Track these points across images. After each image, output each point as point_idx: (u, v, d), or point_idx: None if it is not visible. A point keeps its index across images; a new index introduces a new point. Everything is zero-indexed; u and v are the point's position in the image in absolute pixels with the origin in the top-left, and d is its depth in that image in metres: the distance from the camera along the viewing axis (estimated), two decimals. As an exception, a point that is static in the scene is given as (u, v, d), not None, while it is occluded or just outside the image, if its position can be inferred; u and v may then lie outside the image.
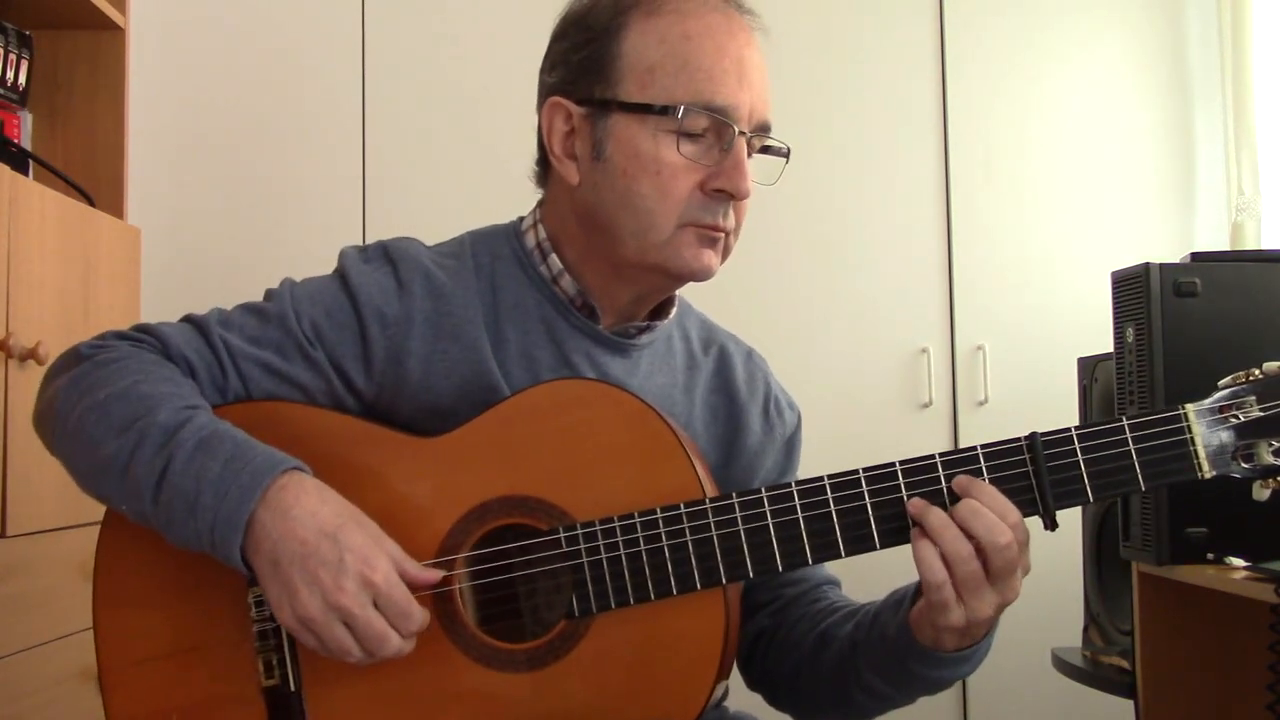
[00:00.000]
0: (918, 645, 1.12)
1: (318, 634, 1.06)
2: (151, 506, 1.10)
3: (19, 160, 2.21)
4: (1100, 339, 1.98)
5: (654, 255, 1.21)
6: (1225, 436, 1.06)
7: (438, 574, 1.11)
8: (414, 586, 1.09)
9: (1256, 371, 1.08)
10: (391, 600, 1.06)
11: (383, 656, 1.07)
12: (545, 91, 1.26)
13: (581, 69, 1.22)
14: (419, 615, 1.08)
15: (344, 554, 1.05)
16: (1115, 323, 1.82)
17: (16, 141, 2.25)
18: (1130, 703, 1.91)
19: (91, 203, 2.31)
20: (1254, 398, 1.06)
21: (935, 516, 1.06)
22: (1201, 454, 1.06)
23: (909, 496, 1.08)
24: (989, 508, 1.05)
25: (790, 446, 1.39)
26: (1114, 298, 1.82)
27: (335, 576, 1.05)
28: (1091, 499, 1.08)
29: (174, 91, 2.80)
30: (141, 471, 1.09)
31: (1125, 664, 2.00)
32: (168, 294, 2.61)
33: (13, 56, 2.26)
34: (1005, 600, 1.08)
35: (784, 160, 1.25)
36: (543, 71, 1.27)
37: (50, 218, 2.04)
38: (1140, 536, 1.78)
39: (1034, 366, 2.73)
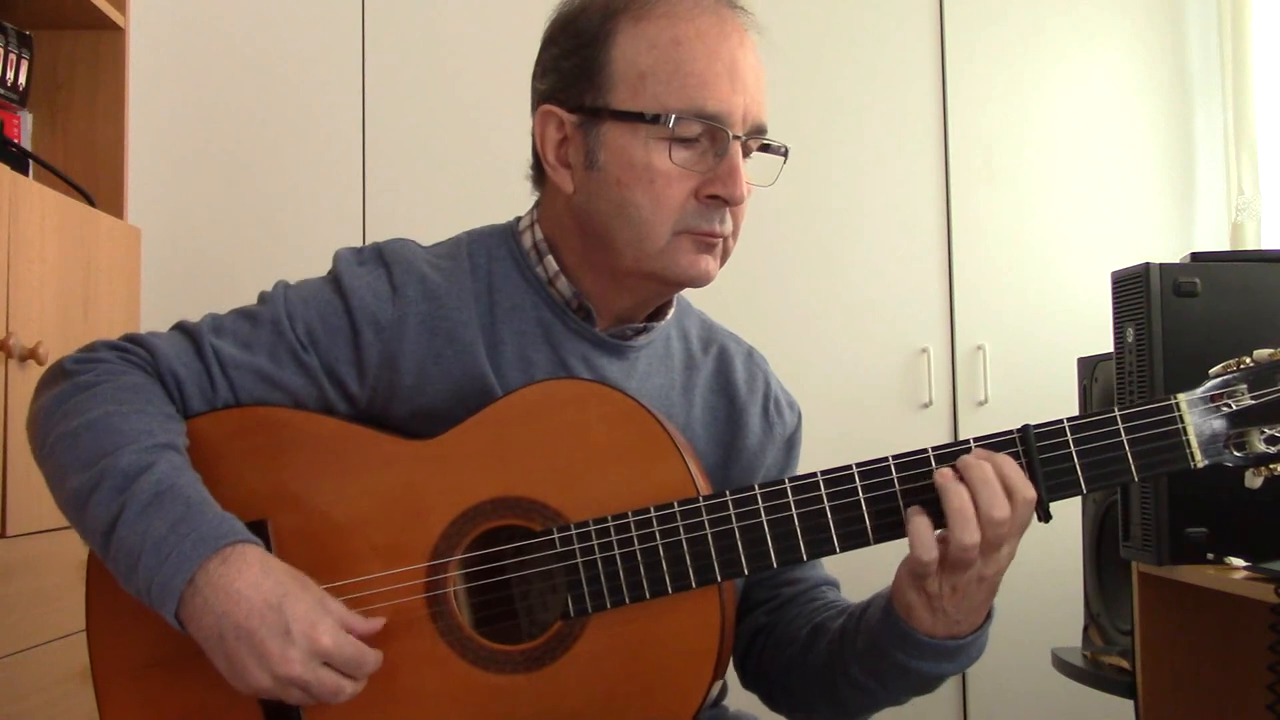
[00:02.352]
0: (897, 623, 1.11)
1: (274, 697, 1.08)
2: (103, 551, 1.10)
3: (19, 160, 2.21)
4: (1100, 339, 1.98)
5: (650, 263, 1.20)
6: (1217, 425, 1.07)
7: (379, 622, 1.12)
8: (360, 637, 1.10)
9: (1247, 359, 1.08)
10: (343, 658, 1.08)
11: (340, 702, 1.09)
12: (537, 99, 1.25)
13: (572, 76, 1.21)
14: (372, 658, 1.10)
15: (289, 624, 1.05)
16: (1115, 323, 1.82)
17: (16, 141, 2.25)
18: (1130, 703, 1.91)
19: (91, 203, 2.31)
20: (1245, 386, 1.07)
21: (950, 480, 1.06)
22: (1194, 443, 1.07)
23: (903, 490, 1.08)
24: (1011, 478, 1.05)
25: (790, 445, 1.38)
26: (1114, 298, 1.82)
27: (282, 648, 1.05)
28: (1085, 490, 1.08)
29: (174, 91, 2.80)
30: (97, 514, 1.09)
31: (1125, 664, 2.00)
32: (168, 294, 2.61)
33: (13, 56, 2.26)
34: (983, 574, 1.07)
35: (782, 160, 1.24)
36: (534, 77, 1.26)
37: (50, 218, 2.04)
38: (1140, 536, 1.78)
39: (1034, 366, 2.73)
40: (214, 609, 1.05)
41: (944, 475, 1.06)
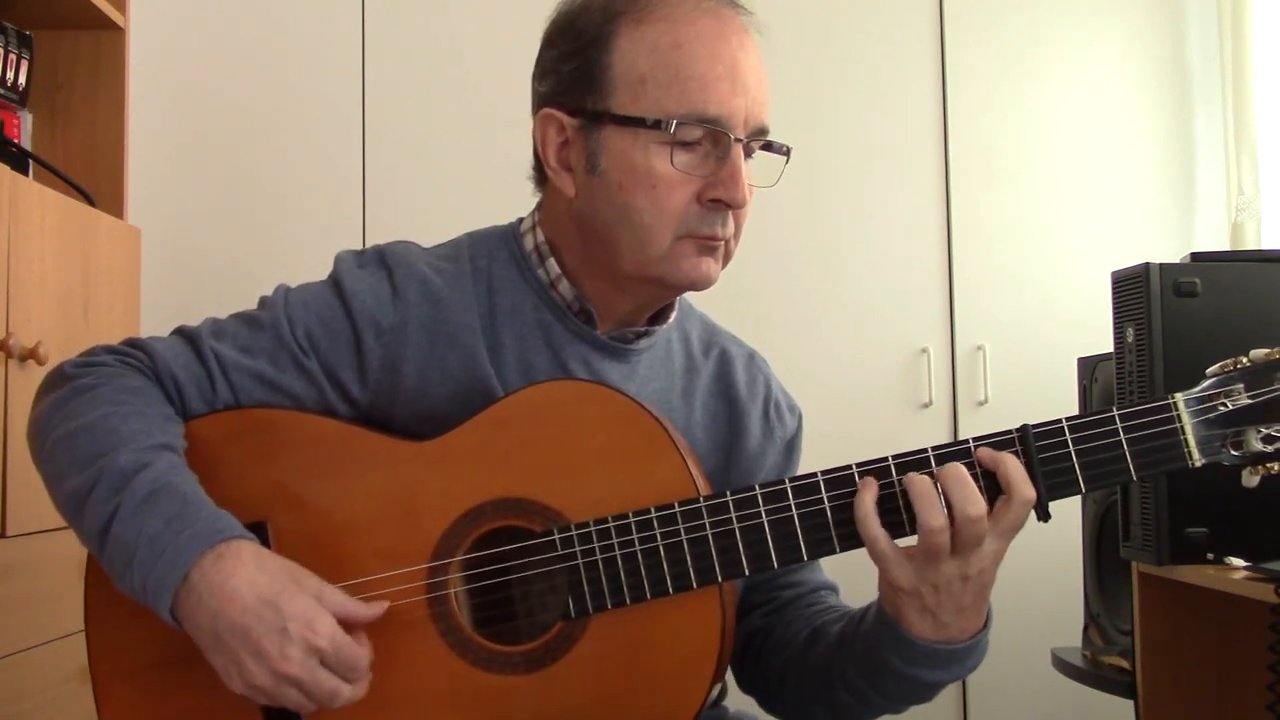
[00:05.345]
0: (889, 626, 1.11)
1: (269, 698, 1.07)
2: (99, 551, 1.10)
3: (19, 160, 2.21)
4: (1100, 339, 1.98)
5: (653, 268, 1.19)
6: (1215, 424, 1.07)
7: (382, 606, 1.11)
8: (364, 624, 1.10)
9: (1244, 359, 1.08)
10: (339, 659, 1.07)
11: (336, 706, 1.08)
12: (538, 101, 1.24)
13: (572, 80, 1.20)
14: (367, 663, 1.09)
15: (286, 622, 1.05)
16: (1115, 323, 1.82)
17: (16, 141, 2.25)
18: (1130, 703, 1.91)
19: (91, 203, 2.32)
20: (1242, 385, 1.07)
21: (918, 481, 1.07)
22: (1192, 442, 1.07)
23: (903, 490, 1.07)
24: (1011, 477, 1.05)
25: (790, 449, 1.38)
26: (1114, 298, 1.82)
27: (280, 645, 1.04)
28: (1084, 489, 1.08)
29: (174, 91, 2.80)
30: (94, 514, 1.09)
31: (1125, 664, 2.00)
32: (168, 294, 2.61)
33: (13, 56, 2.26)
34: (965, 573, 1.07)
35: (784, 160, 1.23)
36: (534, 79, 1.25)
37: (50, 218, 2.04)
38: (1140, 536, 1.78)
39: (1034, 366, 2.73)
40: (209, 607, 1.05)
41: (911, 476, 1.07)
